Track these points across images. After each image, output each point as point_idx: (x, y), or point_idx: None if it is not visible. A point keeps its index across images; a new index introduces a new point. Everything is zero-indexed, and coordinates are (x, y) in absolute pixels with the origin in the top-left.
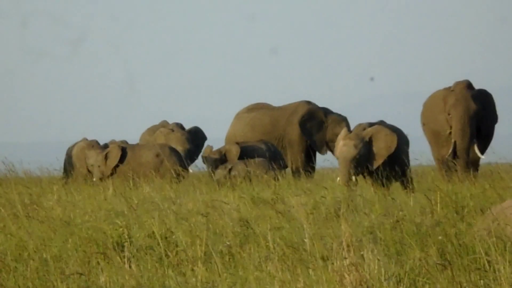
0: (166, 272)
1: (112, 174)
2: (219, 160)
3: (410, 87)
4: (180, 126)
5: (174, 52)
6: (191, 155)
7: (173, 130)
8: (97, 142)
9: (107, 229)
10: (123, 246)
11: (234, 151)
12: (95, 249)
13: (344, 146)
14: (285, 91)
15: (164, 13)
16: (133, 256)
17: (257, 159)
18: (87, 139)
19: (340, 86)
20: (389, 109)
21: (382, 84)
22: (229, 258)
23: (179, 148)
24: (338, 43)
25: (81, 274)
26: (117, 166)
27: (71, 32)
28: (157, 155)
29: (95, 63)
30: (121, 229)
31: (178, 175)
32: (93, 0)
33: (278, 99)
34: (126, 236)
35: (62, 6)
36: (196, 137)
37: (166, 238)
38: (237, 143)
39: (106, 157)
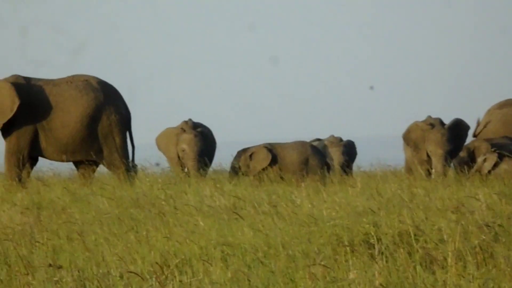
0: (415, 270)
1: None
2: (467, 157)
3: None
4: (192, 125)
5: (174, 61)
6: (203, 156)
7: (184, 130)
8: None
9: (354, 226)
10: (371, 243)
11: (484, 148)
12: (343, 246)
13: None
14: (285, 100)
15: (164, 22)
16: (382, 253)
17: None
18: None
19: (340, 95)
20: None
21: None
22: (483, 257)
23: (189, 149)
24: (338, 52)
25: (326, 267)
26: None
27: (71, 41)
28: (302, 155)
29: (95, 72)
30: (368, 225)
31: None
32: (93, 9)
33: (278, 107)
34: (373, 233)
35: (62, 15)
36: (207, 138)
37: (415, 235)
38: (485, 140)
39: (251, 158)
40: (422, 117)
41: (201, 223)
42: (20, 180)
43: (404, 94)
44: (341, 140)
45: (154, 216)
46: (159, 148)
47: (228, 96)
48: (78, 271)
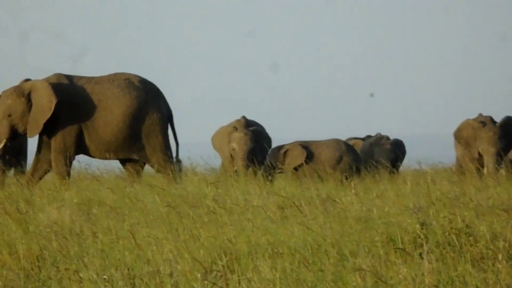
0: (466, 268)
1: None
2: None
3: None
4: (245, 123)
5: (173, 68)
6: (254, 155)
7: (236, 129)
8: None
9: (404, 225)
10: (420, 242)
11: None
12: (392, 245)
13: None
14: (285, 106)
15: (164, 30)
16: (432, 252)
17: None
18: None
19: (341, 101)
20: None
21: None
22: None
23: (239, 148)
24: (338, 58)
25: (368, 271)
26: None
27: (71, 48)
28: (337, 152)
29: None
30: (417, 224)
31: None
32: (93, 16)
33: (279, 114)
34: (422, 232)
35: (62, 21)
36: (260, 136)
37: (466, 233)
38: None
39: (285, 155)
40: (473, 115)
41: (249, 221)
42: (69, 177)
43: (456, 92)
44: (388, 138)
45: (203, 214)
46: (214, 147)
47: (226, 101)
48: (127, 269)
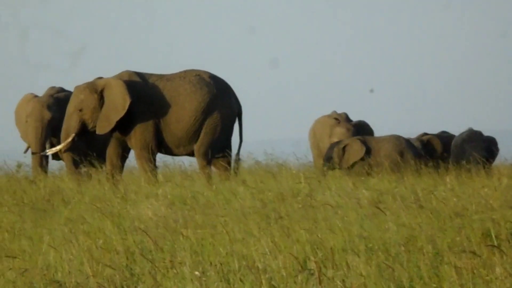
0: None
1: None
2: None
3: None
4: (346, 118)
5: (173, 64)
6: None
7: (339, 122)
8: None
9: (500, 221)
10: None
11: None
12: (488, 241)
13: None
14: (285, 102)
15: (163, 26)
16: None
17: None
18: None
19: (341, 97)
20: None
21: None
22: None
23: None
24: (338, 54)
25: (464, 268)
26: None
27: (71, 44)
28: (397, 148)
29: (96, 75)
30: None
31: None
32: (93, 12)
33: (279, 110)
34: None
35: (62, 18)
36: (363, 131)
37: None
38: None
39: (344, 150)
40: None
41: (344, 217)
42: (155, 172)
43: None
44: (481, 134)
45: (297, 209)
46: (312, 135)
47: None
48: (221, 264)
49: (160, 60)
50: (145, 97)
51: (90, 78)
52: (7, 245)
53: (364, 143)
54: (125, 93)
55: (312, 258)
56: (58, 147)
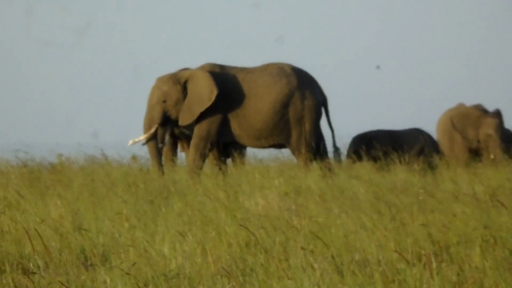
0: None
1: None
2: None
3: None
4: (482, 109)
5: (179, 42)
6: (507, 143)
7: (485, 112)
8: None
9: None
10: None
11: None
12: None
13: None
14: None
15: (169, 2)
16: None
17: None
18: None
19: (345, 75)
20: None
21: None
22: None
23: (497, 135)
24: (345, 32)
25: None
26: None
27: (77, 20)
28: (419, 141)
29: (101, 52)
30: None
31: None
32: None
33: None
34: None
35: None
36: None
37: None
38: None
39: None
40: None
41: (458, 210)
42: (201, 167)
43: None
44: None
45: (411, 203)
46: (453, 128)
47: None
48: (333, 257)
49: (164, 35)
50: (226, 89)
51: (96, 54)
52: (125, 236)
53: (389, 135)
54: (212, 85)
55: (423, 251)
56: (140, 137)
